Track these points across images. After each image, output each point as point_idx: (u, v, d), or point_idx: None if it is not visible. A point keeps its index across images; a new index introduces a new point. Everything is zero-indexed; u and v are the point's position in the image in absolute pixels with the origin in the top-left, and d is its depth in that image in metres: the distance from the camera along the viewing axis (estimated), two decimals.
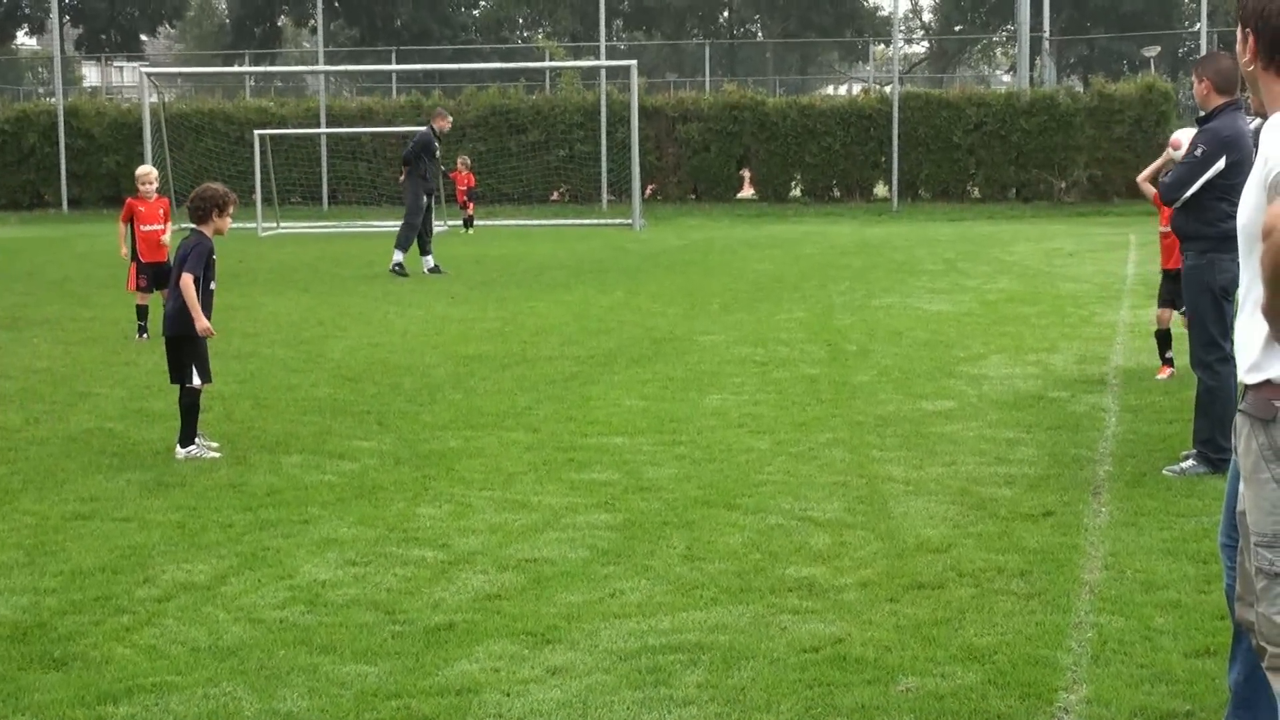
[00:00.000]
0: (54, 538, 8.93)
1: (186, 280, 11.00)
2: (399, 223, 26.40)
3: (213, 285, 11.36)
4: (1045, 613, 7.32)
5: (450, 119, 27.31)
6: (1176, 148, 12.29)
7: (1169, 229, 12.72)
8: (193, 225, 11.37)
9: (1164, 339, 13.94)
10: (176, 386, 11.16)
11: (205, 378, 11.23)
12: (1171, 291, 13.37)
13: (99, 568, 8.28)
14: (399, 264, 25.15)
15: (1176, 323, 13.30)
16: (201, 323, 11.01)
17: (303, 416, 12.49)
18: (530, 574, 8.10)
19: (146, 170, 18.53)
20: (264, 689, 6.48)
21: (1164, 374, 13.88)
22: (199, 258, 11.12)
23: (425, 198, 25.91)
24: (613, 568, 8.19)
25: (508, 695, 6.40)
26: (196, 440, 11.07)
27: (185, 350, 11.12)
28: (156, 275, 17.86)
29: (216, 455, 10.99)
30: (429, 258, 25.69)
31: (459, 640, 7.04)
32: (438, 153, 26.62)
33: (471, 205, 36.79)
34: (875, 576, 7.96)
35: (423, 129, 27.65)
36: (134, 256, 17.91)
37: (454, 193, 36.75)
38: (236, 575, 8.14)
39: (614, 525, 9.08)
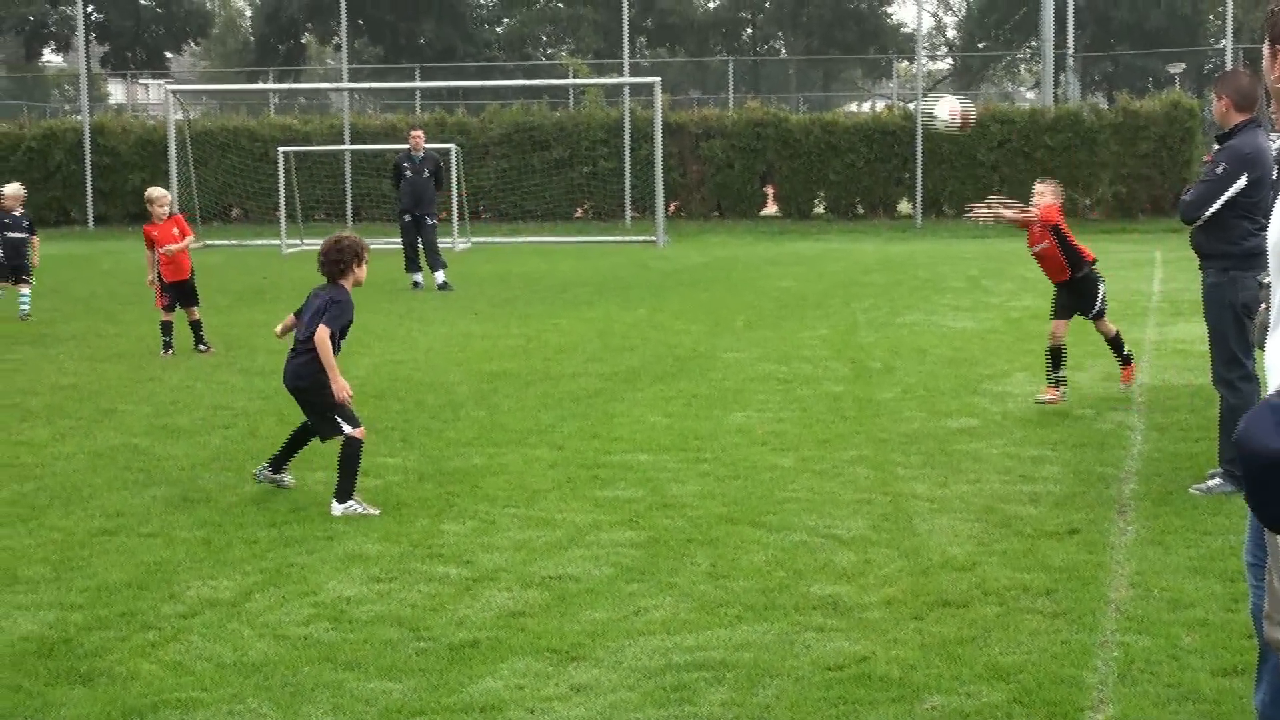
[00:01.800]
0: (80, 553, 8.95)
1: (322, 335, 9.99)
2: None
3: (340, 341, 10.36)
4: (1071, 631, 7.30)
5: (418, 135, 27.53)
6: (1042, 195, 13.44)
7: (1038, 251, 13.62)
8: (328, 280, 10.34)
9: (1056, 356, 13.60)
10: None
11: (354, 423, 10.11)
12: (1068, 304, 13.67)
13: (125, 583, 8.30)
14: (440, 282, 25.65)
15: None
16: (338, 382, 9.99)
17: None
18: (554, 591, 8.10)
19: (158, 194, 18.60)
20: (289, 705, 6.48)
21: (1050, 395, 13.52)
22: (340, 312, 10.18)
23: (404, 217, 26.51)
24: (637, 585, 8.19)
25: (532, 713, 6.39)
26: (355, 497, 9.97)
27: (320, 401, 10.16)
28: (180, 293, 17.95)
29: (375, 514, 9.85)
30: (414, 274, 26.15)
31: (483, 657, 7.04)
32: (407, 173, 26.91)
33: None
34: (900, 594, 7.94)
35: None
36: (159, 278, 18.01)
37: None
38: (261, 591, 8.15)
39: (638, 543, 9.08)
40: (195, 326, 17.98)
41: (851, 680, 6.69)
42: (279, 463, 10.54)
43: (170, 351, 17.59)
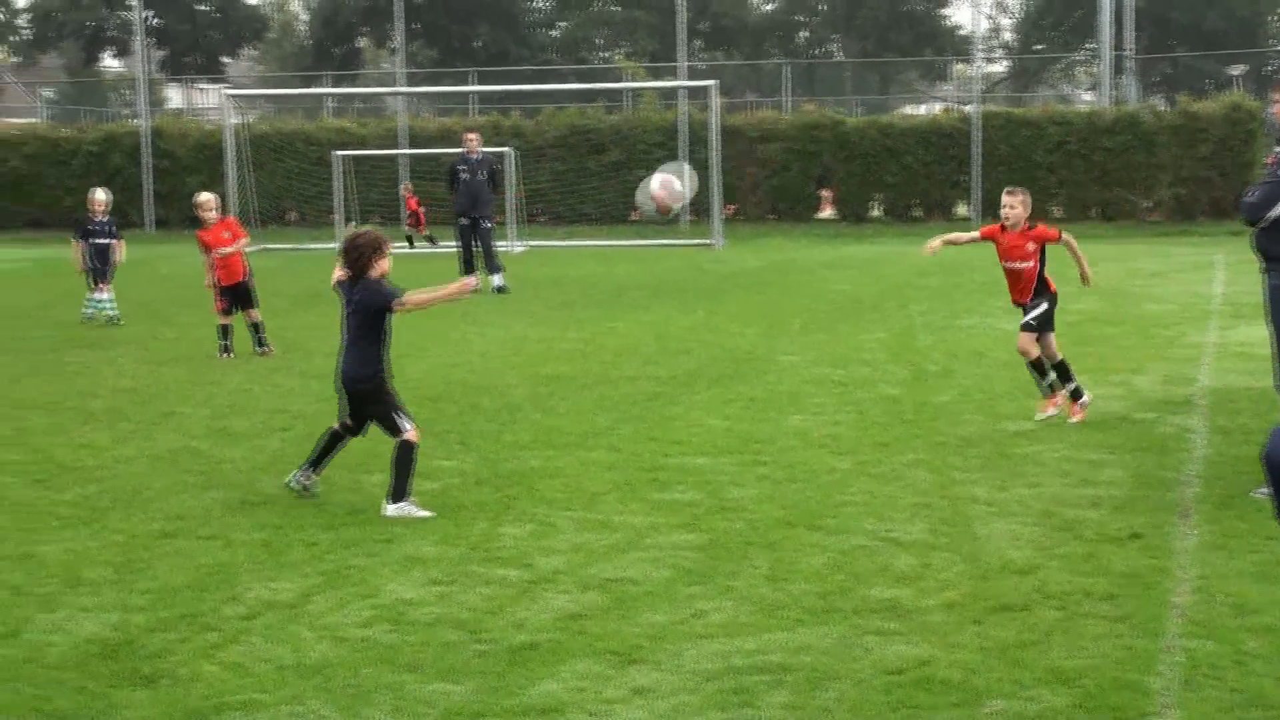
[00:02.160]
0: (141, 555, 8.99)
1: (402, 301, 10.11)
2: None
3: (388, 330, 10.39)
4: (1134, 636, 7.24)
5: (473, 138, 27.55)
6: (1012, 208, 13.13)
7: (1018, 268, 13.22)
8: (351, 275, 10.31)
9: (1038, 366, 13.16)
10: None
11: (411, 420, 10.27)
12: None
13: (186, 585, 8.33)
14: (496, 286, 25.73)
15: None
16: (450, 289, 10.35)
17: (383, 436, 12.54)
18: (613, 594, 8.09)
19: (204, 198, 18.72)
20: (349, 707, 6.49)
21: (1050, 409, 13.10)
22: (391, 293, 10.19)
23: (460, 220, 26.54)
24: (696, 588, 8.17)
25: (592, 715, 6.39)
26: (410, 499, 10.01)
27: (380, 400, 10.26)
28: (236, 296, 18.04)
29: (428, 515, 9.92)
30: (470, 277, 26.19)
31: (543, 660, 7.04)
32: (462, 175, 26.94)
33: (419, 226, 38.76)
34: (960, 598, 7.90)
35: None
36: (215, 282, 18.12)
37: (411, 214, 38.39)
38: (321, 594, 8.17)
39: (697, 545, 9.06)
40: (255, 328, 18.07)
41: (912, 684, 6.66)
42: (316, 464, 10.51)
43: (228, 354, 17.68)
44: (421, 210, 38.95)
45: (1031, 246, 13.17)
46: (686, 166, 19.80)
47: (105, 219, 22.82)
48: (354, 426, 10.53)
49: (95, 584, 8.41)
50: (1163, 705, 6.41)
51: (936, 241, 13.53)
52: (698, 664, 6.96)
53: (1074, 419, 12.87)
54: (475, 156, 27.04)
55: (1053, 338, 13.22)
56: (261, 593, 8.19)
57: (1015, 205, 13.21)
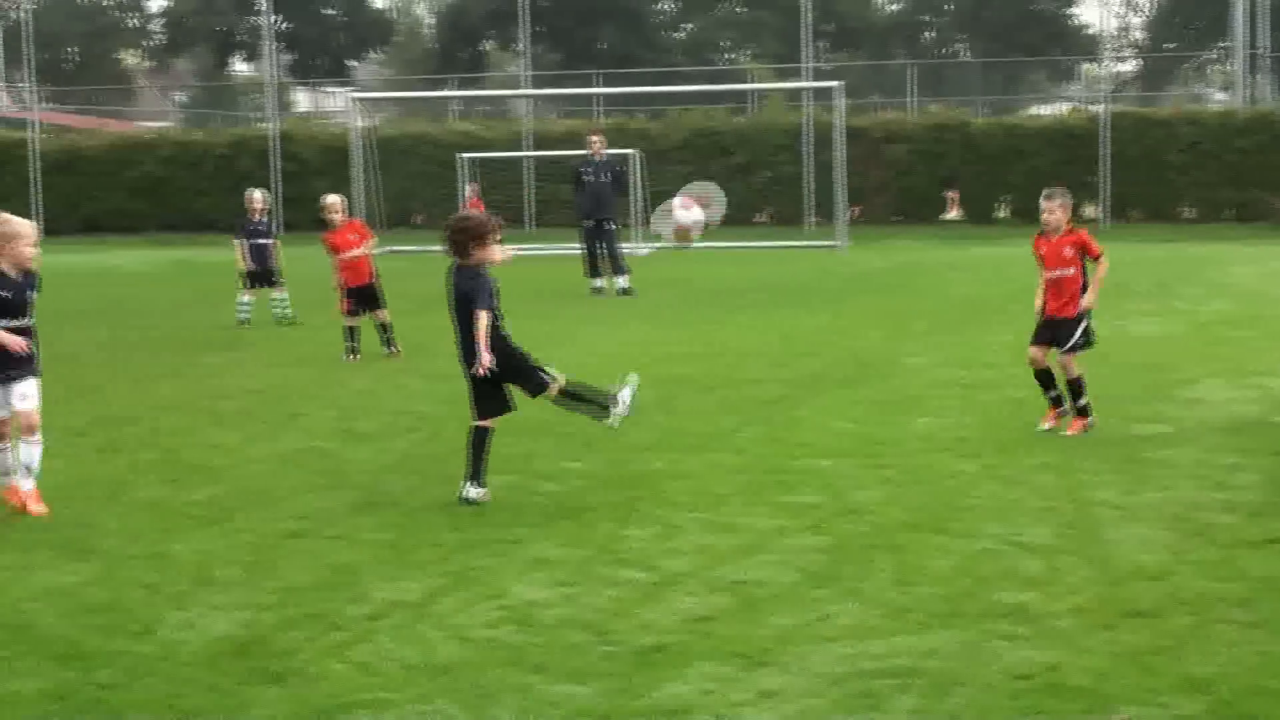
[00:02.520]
0: (269, 555, 9.08)
1: (484, 319, 10.18)
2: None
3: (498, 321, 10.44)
4: (1270, 643, 7.12)
5: (598, 140, 27.56)
6: (1051, 213, 12.69)
7: (1056, 274, 12.64)
8: (456, 260, 10.46)
9: (1044, 379, 12.70)
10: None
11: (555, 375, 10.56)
12: (1048, 337, 12.61)
13: (313, 585, 8.40)
14: (621, 288, 25.79)
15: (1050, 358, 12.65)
16: (485, 355, 10.17)
17: (509, 438, 12.56)
18: (740, 596, 8.07)
19: (331, 200, 18.92)
20: (476, 707, 6.52)
21: (1049, 423, 12.63)
22: (489, 290, 10.29)
23: (585, 222, 26.55)
24: (822, 591, 8.13)
25: (719, 718, 6.37)
26: (477, 480, 10.34)
27: (516, 363, 10.43)
28: (363, 298, 18.18)
29: (485, 500, 10.28)
30: (595, 279, 26.20)
31: (670, 662, 7.03)
32: (585, 177, 26.95)
33: None
34: (1089, 603, 7.80)
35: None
36: (341, 283, 18.29)
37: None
38: (447, 594, 8.21)
39: (822, 548, 9.02)
40: (383, 329, 18.20)
41: (1040, 689, 6.58)
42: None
43: (354, 356, 17.83)
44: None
45: (1070, 251, 12.67)
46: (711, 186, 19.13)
47: (264, 219, 22.89)
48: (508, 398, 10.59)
49: (225, 583, 8.50)
50: None
51: (1040, 300, 12.81)
52: (824, 667, 6.93)
53: (1070, 432, 12.39)
54: (599, 159, 27.09)
55: (1074, 356, 12.55)
56: (388, 593, 8.24)
57: (1054, 209, 12.76)
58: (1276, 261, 29.81)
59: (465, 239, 10.36)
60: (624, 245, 28.44)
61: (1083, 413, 12.53)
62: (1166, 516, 9.64)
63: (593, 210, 26.67)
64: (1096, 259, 12.76)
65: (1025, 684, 6.66)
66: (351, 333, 18.06)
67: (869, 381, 15.41)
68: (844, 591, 8.11)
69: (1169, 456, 11.48)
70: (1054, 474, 10.99)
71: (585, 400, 10.75)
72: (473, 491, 10.28)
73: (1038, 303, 12.81)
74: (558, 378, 10.59)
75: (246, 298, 22.21)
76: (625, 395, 10.76)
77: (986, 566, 8.56)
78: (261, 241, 22.56)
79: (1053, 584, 8.19)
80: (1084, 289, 12.72)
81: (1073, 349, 12.53)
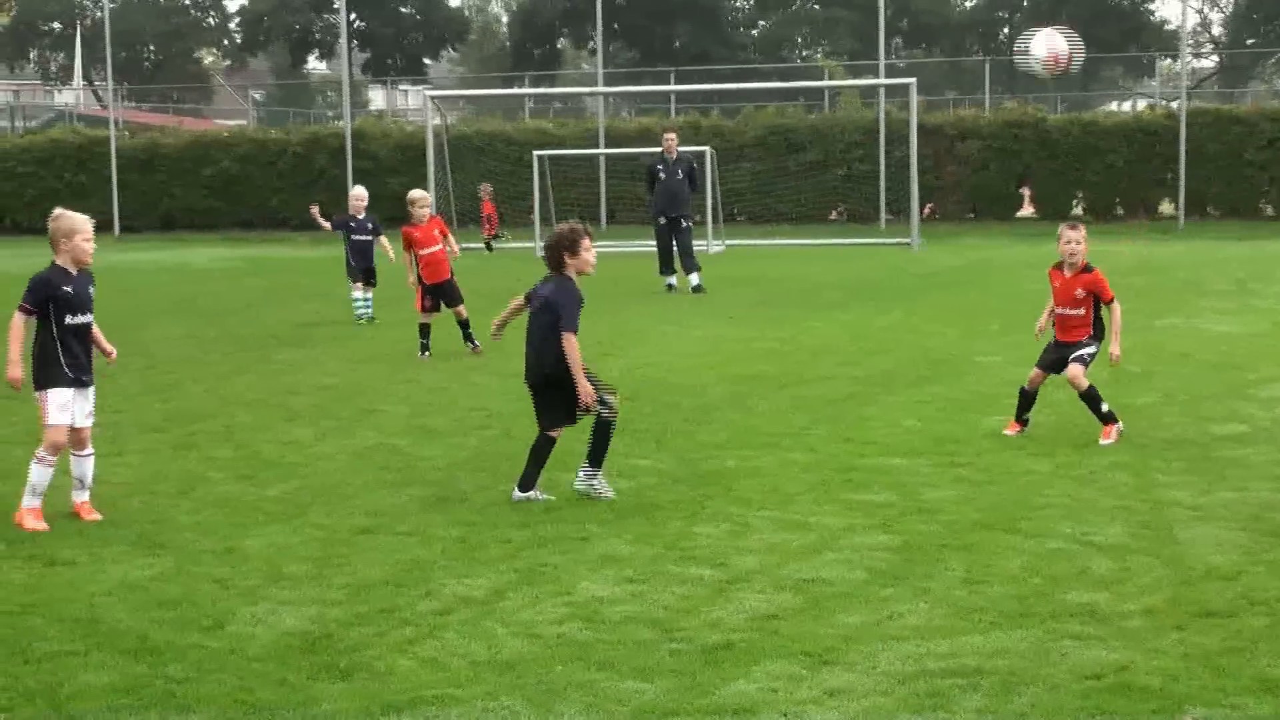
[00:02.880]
0: (340, 551, 9.14)
1: (571, 343, 10.12)
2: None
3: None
4: None
5: (671, 138, 27.51)
6: (1077, 243, 12.24)
7: (1064, 312, 12.30)
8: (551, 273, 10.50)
9: (1028, 399, 12.52)
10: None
11: (611, 395, 10.46)
12: (1054, 360, 12.39)
13: (382, 581, 8.44)
14: (694, 285, 25.74)
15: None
16: (584, 386, 10.12)
17: (580, 435, 12.57)
18: (808, 594, 8.05)
19: (419, 195, 18.92)
20: (542, 703, 6.53)
21: (1013, 430, 12.44)
22: (572, 312, 10.22)
23: (659, 220, 26.52)
24: (891, 589, 8.11)
25: (785, 716, 6.36)
26: (536, 488, 10.39)
27: (556, 393, 10.35)
28: (441, 294, 18.23)
29: (548, 498, 10.34)
30: (668, 276, 26.16)
31: (736, 659, 7.03)
32: (660, 175, 26.90)
33: (489, 229, 38.78)
34: (1160, 604, 7.75)
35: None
36: (419, 280, 18.33)
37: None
38: (515, 590, 8.23)
39: (892, 547, 9.00)
40: (464, 325, 18.19)
41: (1110, 690, 6.54)
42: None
43: (427, 354, 17.87)
44: (496, 214, 39.18)
45: (1082, 294, 12.29)
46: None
47: (365, 216, 22.76)
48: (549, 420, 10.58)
49: (295, 578, 8.56)
50: None
51: (1043, 321, 12.68)
52: (891, 666, 6.91)
53: (1106, 440, 11.98)
54: (673, 156, 27.07)
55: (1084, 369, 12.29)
56: (457, 589, 8.27)
57: (1079, 240, 12.32)
58: None
59: (558, 250, 10.41)
60: (697, 243, 28.38)
61: (1109, 419, 12.12)
62: (1241, 517, 9.55)
63: (666, 207, 26.64)
64: (1109, 303, 12.36)
65: (1094, 684, 6.62)
66: (426, 330, 18.10)
67: (941, 380, 15.35)
68: (912, 590, 8.08)
69: (1244, 456, 11.39)
70: (1127, 473, 10.91)
71: (598, 447, 10.42)
72: (520, 494, 10.37)
73: (1041, 323, 12.65)
74: (613, 407, 10.45)
75: (358, 293, 22.11)
76: (602, 485, 10.43)
77: (1057, 566, 8.52)
78: (362, 239, 22.40)
79: (1124, 584, 8.14)
80: (1092, 325, 12.40)
81: (1081, 359, 12.22)
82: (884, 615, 7.66)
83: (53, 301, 9.85)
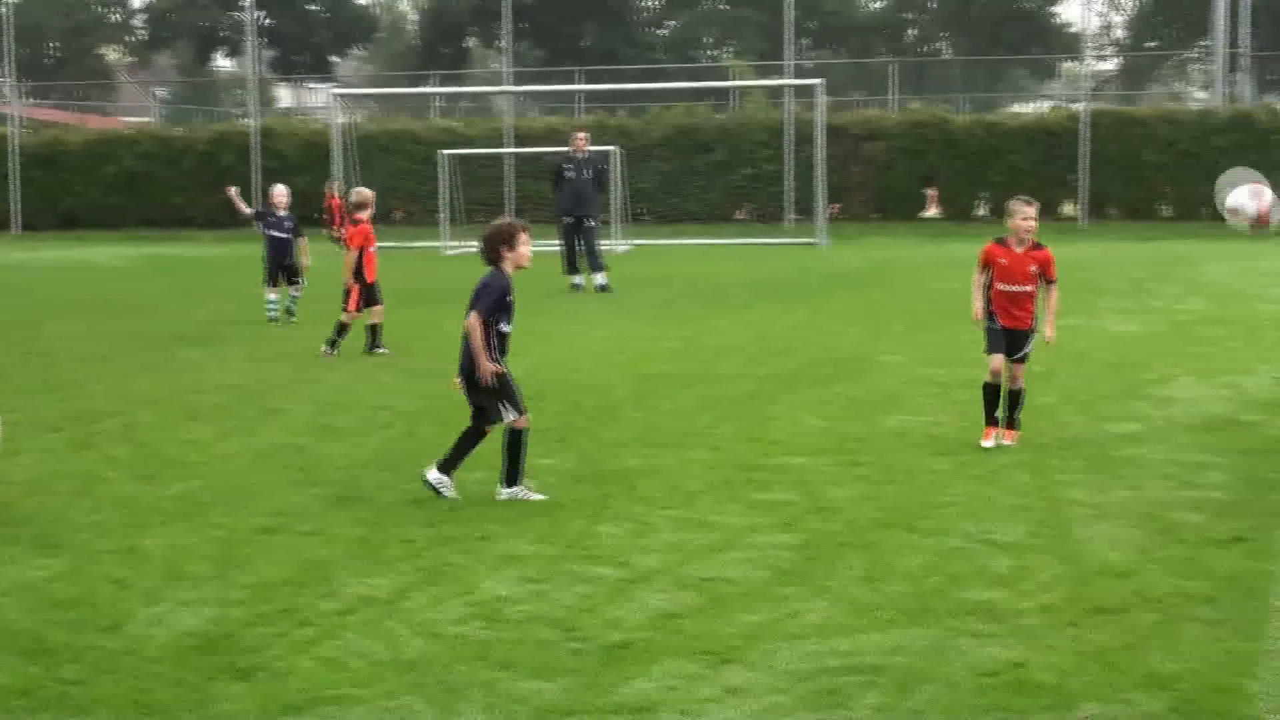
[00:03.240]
0: (242, 550, 9.09)
1: (472, 321, 10.14)
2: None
3: (505, 327, 10.39)
4: (1234, 640, 7.16)
5: (582, 138, 27.48)
6: (1030, 220, 11.89)
7: (1013, 290, 11.92)
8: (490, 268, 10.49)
9: (995, 395, 12.06)
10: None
11: (520, 410, 10.30)
12: (1008, 345, 12.02)
13: (284, 580, 8.41)
14: (599, 285, 25.76)
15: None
16: (485, 365, 10.11)
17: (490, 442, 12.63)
18: (709, 593, 8.09)
19: (369, 194, 18.83)
20: (442, 703, 6.53)
21: (989, 439, 11.95)
22: (487, 297, 10.26)
23: (565, 219, 26.47)
24: (792, 588, 8.16)
25: (684, 714, 6.39)
26: (523, 482, 10.34)
27: (488, 389, 10.26)
28: (373, 294, 18.10)
29: (541, 499, 10.25)
30: (574, 276, 26.13)
31: (637, 659, 7.05)
32: (567, 173, 26.86)
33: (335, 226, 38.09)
34: (1057, 601, 7.84)
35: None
36: (360, 279, 18.11)
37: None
38: (417, 590, 8.22)
39: (794, 546, 9.04)
40: (375, 329, 18.06)
41: (1005, 687, 6.61)
42: (444, 466, 10.44)
43: (336, 353, 17.73)
44: (340, 212, 38.83)
45: (1034, 269, 11.98)
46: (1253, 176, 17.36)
47: (285, 214, 22.42)
48: (474, 415, 10.56)
49: (196, 578, 8.50)
50: (1263, 710, 6.33)
51: (978, 309, 12.20)
52: (791, 664, 6.95)
53: (1009, 440, 11.89)
54: (581, 156, 27.07)
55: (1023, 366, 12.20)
56: (358, 588, 8.25)
57: (1034, 217, 12.04)
58: (1252, 260, 29.90)
59: (495, 244, 10.42)
60: (603, 242, 28.43)
61: (1016, 424, 12.05)
62: (1135, 515, 9.68)
63: (573, 207, 26.63)
64: (1052, 283, 12.13)
65: (990, 681, 6.68)
66: (347, 329, 17.94)
67: (845, 379, 15.44)
68: (813, 589, 8.13)
69: (1140, 455, 11.53)
70: (1027, 472, 11.02)
71: (514, 460, 10.31)
72: (516, 491, 10.30)
73: (978, 306, 12.18)
74: (522, 417, 10.35)
75: (272, 296, 21.88)
76: (522, 492, 10.28)
77: (956, 564, 8.59)
78: (279, 235, 22.13)
79: (1021, 582, 8.22)
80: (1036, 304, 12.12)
81: (1024, 358, 12.11)
82: (784, 614, 7.70)
83: None
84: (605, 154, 33.16)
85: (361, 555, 8.95)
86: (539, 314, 21.59)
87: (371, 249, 18.25)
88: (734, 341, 18.45)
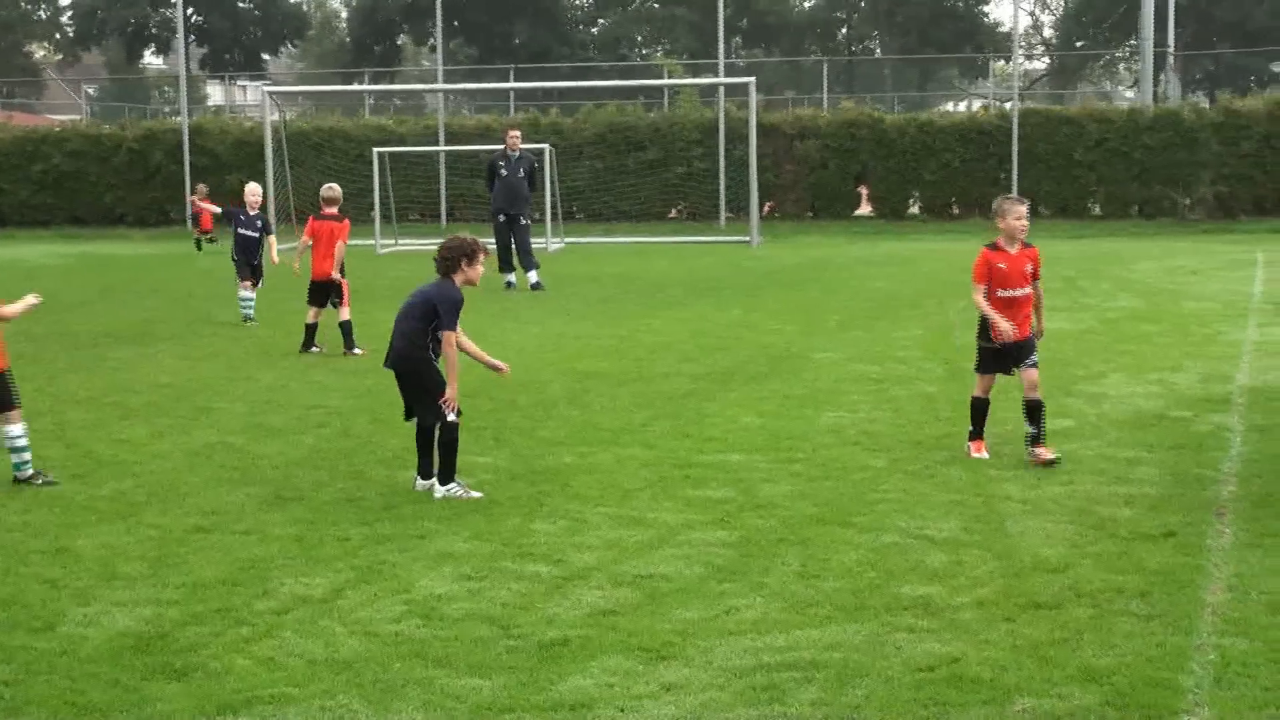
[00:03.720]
0: (176, 550, 9.04)
1: (450, 339, 10.31)
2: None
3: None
4: (1166, 634, 7.22)
5: (515, 136, 27.42)
6: (1024, 219, 11.34)
7: (1014, 294, 11.37)
8: (439, 275, 10.55)
9: (984, 409, 11.68)
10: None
11: (454, 410, 10.33)
12: (1006, 363, 11.50)
13: (219, 580, 8.37)
14: (532, 283, 25.66)
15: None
16: (453, 389, 10.29)
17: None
18: (645, 590, 8.10)
19: (339, 190, 18.71)
20: (379, 702, 6.52)
21: (980, 451, 11.51)
22: (454, 313, 10.39)
23: (498, 217, 26.38)
24: (728, 585, 8.18)
25: (622, 711, 6.39)
26: (457, 479, 10.36)
27: (421, 385, 10.43)
28: (329, 292, 17.98)
29: (478, 497, 10.24)
30: (507, 274, 26.02)
31: (573, 655, 7.05)
32: (502, 172, 26.77)
33: (204, 226, 37.76)
34: (992, 596, 7.89)
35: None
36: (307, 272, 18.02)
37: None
38: (353, 589, 8.20)
39: (729, 542, 9.07)
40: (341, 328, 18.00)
41: (942, 681, 6.65)
42: (426, 471, 10.52)
43: (320, 349, 17.61)
44: (206, 213, 38.19)
45: (1029, 268, 11.46)
46: None
47: (256, 213, 22.03)
48: (406, 410, 10.68)
49: (130, 578, 8.45)
50: (1194, 703, 6.39)
51: (1005, 324, 11.29)
52: (728, 660, 6.97)
53: (1051, 456, 11.11)
54: (515, 154, 27.03)
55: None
56: (294, 588, 8.22)
57: (1027, 215, 11.60)
58: (1181, 258, 30.14)
59: (457, 256, 10.48)
60: (536, 240, 28.38)
61: (1043, 438, 11.35)
62: (1069, 510, 9.75)
63: (506, 205, 26.57)
64: (1037, 280, 11.65)
65: (927, 676, 6.72)
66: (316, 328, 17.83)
67: (780, 376, 15.47)
68: (749, 585, 8.15)
69: (1072, 451, 11.60)
70: (961, 468, 11.08)
71: (446, 459, 10.31)
72: (452, 489, 10.33)
73: (1005, 327, 11.27)
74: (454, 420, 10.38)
75: (245, 292, 21.29)
76: (460, 491, 10.26)
77: (892, 560, 8.63)
78: (248, 234, 21.79)
79: (956, 577, 8.27)
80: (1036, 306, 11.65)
81: (1036, 363, 11.50)
82: (721, 610, 7.72)
83: None
84: (538, 152, 33.08)
85: (297, 554, 8.92)
86: (473, 311, 21.45)
87: (335, 245, 18.00)
88: (669, 339, 18.47)
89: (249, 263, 21.53)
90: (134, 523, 9.74)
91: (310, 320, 17.90)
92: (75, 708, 6.48)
